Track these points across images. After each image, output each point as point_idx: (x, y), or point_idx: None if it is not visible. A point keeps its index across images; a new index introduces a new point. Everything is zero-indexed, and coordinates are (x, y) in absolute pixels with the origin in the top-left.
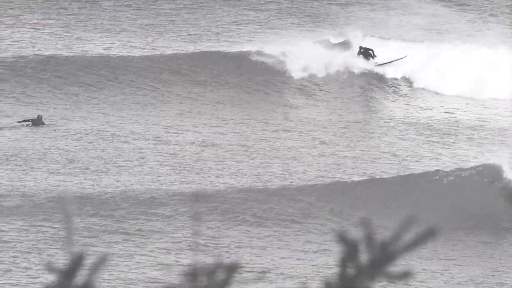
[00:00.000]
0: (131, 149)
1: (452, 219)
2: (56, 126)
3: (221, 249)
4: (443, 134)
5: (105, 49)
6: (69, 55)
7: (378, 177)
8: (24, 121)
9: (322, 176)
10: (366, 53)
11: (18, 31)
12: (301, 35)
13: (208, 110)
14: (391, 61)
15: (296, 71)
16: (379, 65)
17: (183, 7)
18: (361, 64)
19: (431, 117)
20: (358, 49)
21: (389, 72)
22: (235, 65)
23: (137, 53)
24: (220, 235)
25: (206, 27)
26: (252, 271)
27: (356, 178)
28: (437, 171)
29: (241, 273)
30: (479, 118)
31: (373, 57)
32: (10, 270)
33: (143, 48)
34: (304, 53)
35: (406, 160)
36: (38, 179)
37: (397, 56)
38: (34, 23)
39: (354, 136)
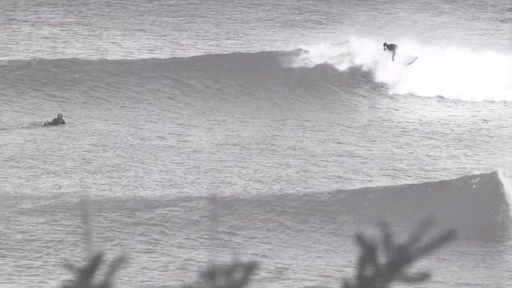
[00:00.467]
0: (150, 149)
1: (454, 225)
2: (75, 125)
3: (239, 248)
4: (450, 139)
5: (125, 48)
6: (89, 53)
7: (391, 183)
8: (49, 123)
9: (340, 177)
10: (391, 48)
11: (38, 29)
12: (318, 35)
13: (228, 109)
14: (409, 63)
15: (313, 71)
16: (410, 63)
17: (201, 4)
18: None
19: (438, 121)
20: (383, 46)
21: (393, 76)
22: (253, 65)
23: (158, 52)
24: (239, 235)
25: (225, 26)
26: (270, 270)
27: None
28: (444, 177)
29: (259, 272)
30: (485, 122)
31: (393, 56)
32: (30, 267)
33: (164, 48)
34: (322, 53)
35: (417, 165)
36: (57, 178)
37: (408, 60)
38: (55, 21)
39: (361, 140)
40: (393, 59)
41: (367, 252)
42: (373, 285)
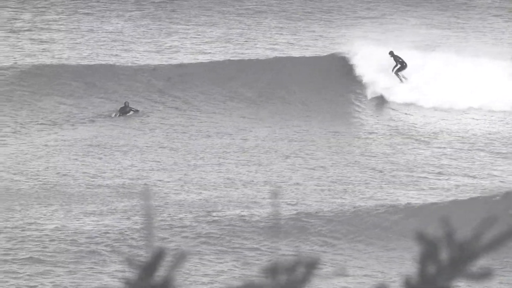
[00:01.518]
0: (213, 146)
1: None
2: (141, 115)
3: (301, 245)
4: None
5: (196, 44)
6: (155, 49)
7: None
8: (119, 114)
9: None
10: (395, 59)
11: (102, 24)
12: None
13: (294, 112)
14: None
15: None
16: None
17: (264, 11)
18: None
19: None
20: (390, 56)
21: (398, 83)
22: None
23: (224, 48)
24: (301, 231)
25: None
26: (331, 267)
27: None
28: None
29: (320, 269)
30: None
31: (400, 66)
32: (92, 268)
33: (229, 45)
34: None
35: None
36: (122, 171)
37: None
38: (118, 17)
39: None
40: (397, 75)
41: (429, 249)
42: (435, 283)
